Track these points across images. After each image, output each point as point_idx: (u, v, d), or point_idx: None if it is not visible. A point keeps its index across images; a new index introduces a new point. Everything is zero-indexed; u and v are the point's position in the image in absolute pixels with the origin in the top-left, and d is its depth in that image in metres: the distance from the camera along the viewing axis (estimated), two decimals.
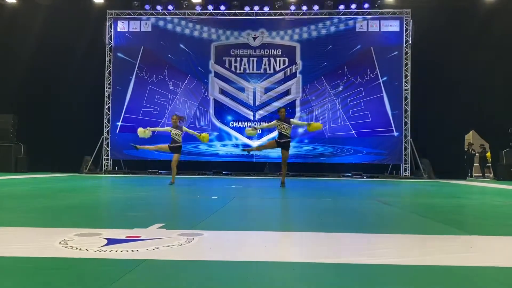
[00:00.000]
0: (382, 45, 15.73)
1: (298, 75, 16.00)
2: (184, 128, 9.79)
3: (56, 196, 6.58)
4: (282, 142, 8.93)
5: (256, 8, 15.89)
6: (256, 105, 16.04)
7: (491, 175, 16.76)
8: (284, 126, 8.89)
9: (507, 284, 2.09)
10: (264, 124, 9.46)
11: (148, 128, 9.93)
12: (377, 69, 15.62)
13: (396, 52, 15.64)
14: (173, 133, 9.52)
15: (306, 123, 9.58)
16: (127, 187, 8.57)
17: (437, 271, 2.27)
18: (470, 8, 15.21)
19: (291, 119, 9.34)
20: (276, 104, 15.98)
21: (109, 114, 16.16)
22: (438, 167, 15.07)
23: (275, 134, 15.80)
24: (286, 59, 16.03)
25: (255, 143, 15.92)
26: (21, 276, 2.12)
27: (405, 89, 15.58)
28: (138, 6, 16.05)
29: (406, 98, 15.57)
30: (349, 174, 15.51)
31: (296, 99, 16.01)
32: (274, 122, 9.17)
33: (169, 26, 16.23)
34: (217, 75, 16.15)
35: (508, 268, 2.36)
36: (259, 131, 9.82)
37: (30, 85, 15.69)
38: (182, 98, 16.12)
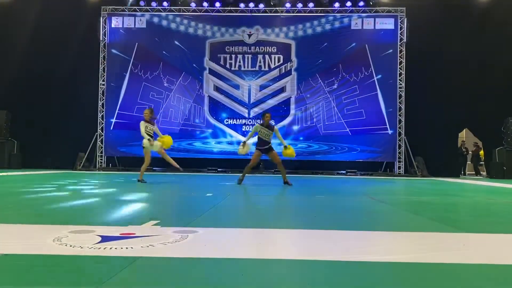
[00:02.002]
0: (376, 43, 15.78)
1: (293, 72, 16.01)
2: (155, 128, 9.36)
3: (50, 193, 6.54)
4: (265, 149, 8.52)
5: (251, 5, 15.87)
6: (251, 102, 16.04)
7: (484, 173, 16.87)
8: (265, 131, 8.51)
9: (500, 282, 2.10)
10: (249, 135, 8.98)
11: (150, 139, 9.08)
12: (372, 67, 15.67)
13: (391, 50, 15.69)
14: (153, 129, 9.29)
15: (284, 144, 8.82)
16: (121, 183, 8.55)
17: (430, 268, 2.28)
18: (464, 6, 15.29)
19: (276, 128, 8.88)
20: (271, 102, 16.01)
21: (103, 111, 16.10)
22: (432, 164, 15.16)
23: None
24: (281, 57, 16.04)
25: (249, 140, 15.93)
26: (15, 274, 2.11)
27: (400, 87, 15.65)
28: (133, 3, 15.99)
29: (400, 96, 15.64)
30: (343, 171, 15.57)
31: (291, 97, 16.03)
32: (255, 126, 8.67)
33: (164, 22, 16.18)
34: (212, 72, 16.13)
35: (501, 265, 2.37)
36: (249, 147, 9.16)
37: (23, 82, 15.60)
38: (177, 95, 16.08)
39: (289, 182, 8.71)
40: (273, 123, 9.37)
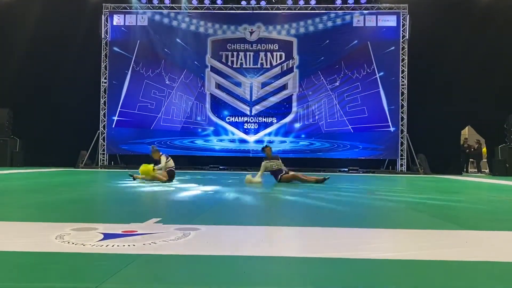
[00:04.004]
0: (379, 40, 15.73)
1: (295, 69, 15.98)
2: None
3: (52, 191, 6.56)
4: (282, 176, 8.61)
5: (253, 2, 15.83)
6: (253, 100, 16.02)
7: (487, 170, 16.83)
8: (274, 163, 8.60)
9: (502, 279, 2.10)
10: (259, 173, 8.81)
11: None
12: (374, 64, 15.63)
13: (393, 47, 15.64)
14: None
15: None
16: (123, 181, 8.55)
17: (433, 265, 2.28)
18: (466, 3, 15.23)
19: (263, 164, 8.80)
20: (273, 99, 15.97)
21: (105, 109, 16.11)
22: (434, 162, 15.13)
23: (271, 129, 15.90)
24: (283, 54, 16.00)
25: (251, 138, 15.96)
26: (18, 271, 2.11)
27: (402, 85, 15.61)
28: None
29: (402, 94, 15.61)
30: (345, 169, 15.55)
31: (293, 94, 16.01)
32: (263, 164, 8.68)
33: (165, 20, 16.16)
34: (214, 70, 16.11)
35: (503, 262, 2.37)
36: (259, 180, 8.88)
37: (25, 80, 15.61)
38: (179, 92, 16.08)
39: (322, 180, 8.75)
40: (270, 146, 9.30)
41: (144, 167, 8.51)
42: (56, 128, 15.32)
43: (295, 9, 15.93)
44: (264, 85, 16.02)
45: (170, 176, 8.71)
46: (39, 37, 15.49)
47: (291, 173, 9.01)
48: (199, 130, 16.11)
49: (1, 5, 15.93)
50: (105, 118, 16.10)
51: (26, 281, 1.95)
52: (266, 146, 9.22)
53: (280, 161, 8.87)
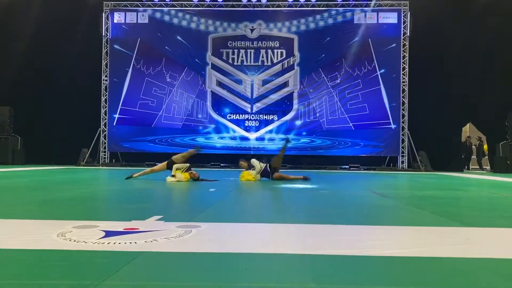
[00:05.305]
0: (379, 37, 15.71)
1: (295, 67, 15.98)
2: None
3: (54, 188, 6.57)
4: (268, 171, 8.72)
5: None
6: (254, 97, 16.02)
7: (488, 167, 16.82)
8: (252, 173, 8.60)
9: (504, 276, 2.10)
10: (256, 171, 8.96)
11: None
12: (375, 61, 15.62)
13: (394, 44, 15.63)
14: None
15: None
16: (124, 179, 8.56)
17: (433, 262, 2.28)
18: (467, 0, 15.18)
19: (252, 160, 9.00)
20: (274, 97, 15.96)
21: (106, 106, 16.13)
22: (435, 159, 15.13)
23: (272, 127, 15.91)
24: (284, 51, 15.99)
25: (252, 135, 15.97)
26: (19, 268, 2.12)
27: (403, 82, 15.60)
28: None
29: (403, 91, 15.60)
30: (346, 166, 15.55)
31: (293, 92, 16.00)
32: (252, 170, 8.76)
33: (166, 17, 16.15)
34: (215, 67, 16.11)
35: (504, 259, 2.37)
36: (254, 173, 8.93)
37: (26, 78, 15.63)
38: (180, 90, 16.09)
39: (306, 177, 8.79)
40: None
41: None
42: (57, 126, 15.35)
43: (295, 6, 15.90)
44: (265, 82, 16.02)
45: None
46: (40, 35, 15.49)
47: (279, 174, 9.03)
48: (200, 127, 16.12)
49: (2, 3, 15.92)
50: (106, 116, 16.12)
51: (27, 278, 1.95)
52: (242, 160, 9.45)
53: (259, 167, 8.82)
